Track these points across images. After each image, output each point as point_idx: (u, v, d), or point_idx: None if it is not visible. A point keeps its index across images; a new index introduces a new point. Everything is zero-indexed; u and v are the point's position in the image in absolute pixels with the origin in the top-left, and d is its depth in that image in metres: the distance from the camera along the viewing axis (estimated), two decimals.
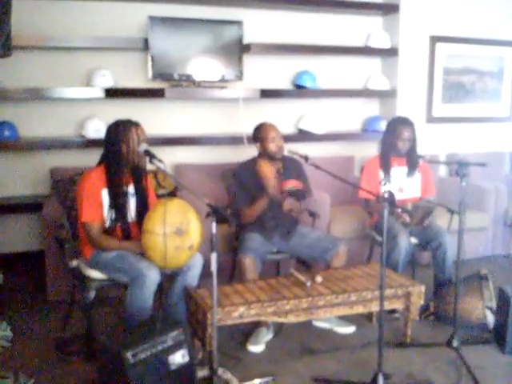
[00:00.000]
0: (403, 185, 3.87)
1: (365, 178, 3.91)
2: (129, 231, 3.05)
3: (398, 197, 3.75)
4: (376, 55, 5.29)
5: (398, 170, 3.88)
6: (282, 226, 3.57)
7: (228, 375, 2.79)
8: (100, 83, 4.29)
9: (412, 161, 3.85)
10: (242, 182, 3.56)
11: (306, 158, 3.34)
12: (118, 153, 2.95)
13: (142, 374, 2.38)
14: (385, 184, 2.68)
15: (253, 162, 3.64)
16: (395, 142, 3.79)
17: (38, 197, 4.27)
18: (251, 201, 3.52)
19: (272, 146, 3.52)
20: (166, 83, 4.50)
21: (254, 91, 4.67)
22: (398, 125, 3.81)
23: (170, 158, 4.43)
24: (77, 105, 4.42)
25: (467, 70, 5.50)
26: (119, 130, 2.96)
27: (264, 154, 3.57)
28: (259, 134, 3.58)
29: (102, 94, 4.25)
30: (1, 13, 1.91)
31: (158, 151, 3.03)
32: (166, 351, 2.49)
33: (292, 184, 3.46)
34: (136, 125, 3.00)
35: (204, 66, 4.55)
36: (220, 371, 2.72)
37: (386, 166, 3.85)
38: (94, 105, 4.42)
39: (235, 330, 3.26)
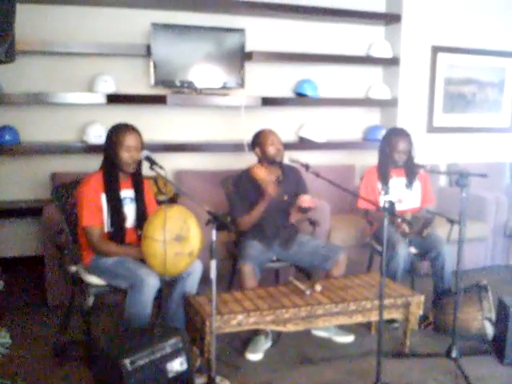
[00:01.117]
0: (402, 196, 3.86)
1: (363, 189, 3.90)
2: (127, 236, 3.04)
3: (397, 208, 3.74)
4: (377, 64, 5.31)
5: (397, 182, 3.87)
6: (282, 234, 3.56)
7: (226, 383, 2.79)
8: (102, 89, 4.30)
9: (411, 172, 3.84)
10: (241, 190, 3.56)
11: (307, 167, 3.34)
12: (113, 156, 2.97)
13: (140, 381, 2.38)
14: (384, 195, 2.69)
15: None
16: (392, 154, 3.78)
17: (38, 201, 4.27)
18: (250, 209, 3.52)
19: (271, 149, 3.52)
20: (168, 90, 4.51)
21: (256, 99, 4.68)
22: (394, 136, 3.80)
23: (170, 164, 4.43)
24: (78, 110, 4.43)
25: (468, 80, 5.51)
26: (113, 134, 2.99)
27: (263, 159, 3.57)
28: (258, 139, 3.59)
29: (103, 100, 4.26)
30: (4, 19, 1.91)
31: (158, 157, 3.03)
32: (164, 358, 2.48)
33: (307, 202, 3.41)
34: (127, 128, 3.00)
35: (206, 73, 4.56)
36: (218, 379, 2.72)
37: (384, 178, 3.84)
38: (96, 110, 4.43)
39: (234, 338, 3.26)
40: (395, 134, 3.82)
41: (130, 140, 2.96)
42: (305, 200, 3.40)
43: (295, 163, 3.49)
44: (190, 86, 4.54)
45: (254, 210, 3.47)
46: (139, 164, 3.05)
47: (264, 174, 3.45)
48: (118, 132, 2.98)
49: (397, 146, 3.75)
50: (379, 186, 3.83)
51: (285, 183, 3.57)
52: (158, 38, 4.35)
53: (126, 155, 2.94)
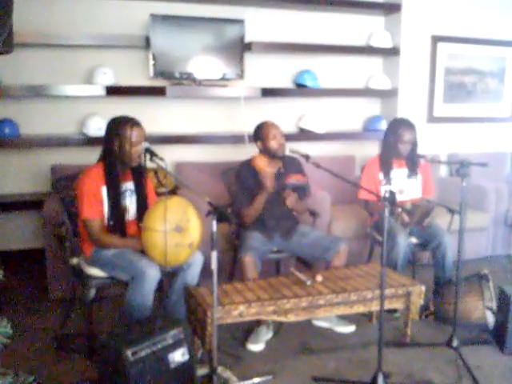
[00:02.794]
0: (403, 186, 3.85)
1: (365, 179, 3.89)
2: (128, 229, 3.05)
3: (399, 198, 3.74)
4: (377, 55, 5.29)
5: (398, 172, 3.86)
6: (283, 225, 3.57)
7: (227, 374, 2.80)
8: (101, 81, 4.29)
9: (412, 162, 3.84)
10: (243, 181, 3.55)
11: (307, 157, 3.33)
12: (110, 149, 2.95)
13: (141, 372, 2.38)
14: (385, 185, 2.68)
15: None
16: (396, 145, 3.77)
17: (39, 194, 4.28)
18: (252, 201, 3.52)
19: (273, 144, 3.52)
20: (167, 81, 4.50)
21: (255, 90, 4.67)
22: (400, 127, 3.77)
23: (170, 156, 4.43)
24: (78, 102, 4.42)
25: (469, 69, 5.49)
26: (113, 127, 2.97)
27: (265, 152, 3.56)
28: (260, 133, 3.58)
29: (103, 92, 4.25)
30: (2, 9, 1.91)
31: (158, 149, 3.02)
32: (165, 349, 2.49)
33: (295, 178, 3.45)
34: (133, 123, 2.97)
35: (205, 65, 4.54)
36: (219, 370, 2.72)
37: (386, 168, 3.83)
38: (95, 102, 4.42)
39: (235, 329, 3.26)
40: (401, 125, 3.80)
41: (138, 135, 2.94)
42: (291, 177, 3.42)
43: (295, 154, 3.48)
44: (190, 78, 4.52)
45: (254, 202, 3.47)
46: (141, 156, 3.04)
47: (264, 166, 3.45)
48: (124, 126, 2.93)
49: (402, 136, 3.73)
50: (381, 176, 3.83)
51: (286, 174, 3.57)
52: (157, 30, 4.33)
53: (134, 150, 2.92)
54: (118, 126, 2.95)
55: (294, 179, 3.46)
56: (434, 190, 4.03)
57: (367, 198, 3.81)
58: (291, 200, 3.48)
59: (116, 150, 2.94)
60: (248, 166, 3.57)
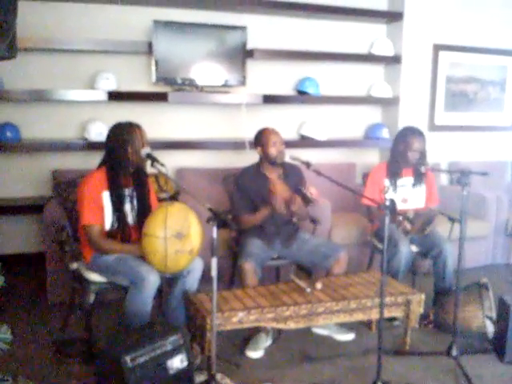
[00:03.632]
0: (408, 195, 3.85)
1: (369, 185, 3.89)
2: (129, 234, 3.05)
3: (402, 207, 3.73)
4: (379, 63, 5.30)
5: (404, 180, 3.86)
6: (283, 231, 3.57)
7: (226, 381, 2.79)
8: (103, 86, 4.30)
9: (419, 172, 3.82)
10: (242, 188, 3.56)
11: (308, 165, 3.34)
12: (123, 155, 2.96)
13: (140, 378, 2.38)
14: (387, 192, 2.68)
15: (254, 168, 3.64)
16: (405, 153, 3.76)
17: (40, 199, 4.27)
18: (252, 207, 3.52)
19: (273, 151, 3.52)
20: (169, 87, 4.51)
21: (257, 97, 4.67)
22: (410, 135, 3.76)
23: (171, 161, 4.42)
24: (80, 107, 4.43)
25: (470, 78, 5.51)
26: (123, 132, 2.97)
27: (265, 158, 3.57)
28: (261, 139, 3.58)
29: (105, 97, 4.26)
30: (6, 15, 1.92)
31: (159, 155, 3.03)
32: (164, 356, 2.49)
33: (314, 193, 3.39)
34: (136, 126, 3.02)
35: (207, 71, 4.55)
36: (218, 376, 2.72)
37: (393, 175, 3.83)
38: (97, 107, 4.43)
39: (234, 336, 3.26)
40: (411, 133, 3.79)
41: (145, 135, 3.00)
42: (312, 190, 3.37)
43: (296, 161, 3.49)
44: (192, 84, 4.53)
45: (257, 214, 3.48)
46: (143, 161, 3.06)
47: (280, 191, 3.41)
48: (132, 130, 2.97)
49: (412, 144, 3.72)
50: (386, 183, 3.82)
51: (286, 181, 3.57)
52: (160, 36, 4.35)
53: (142, 152, 2.95)
54: (127, 131, 2.98)
55: (309, 191, 3.39)
56: (438, 199, 4.02)
57: (369, 204, 3.81)
58: (295, 207, 3.47)
59: (130, 155, 2.95)
60: (250, 173, 3.57)
